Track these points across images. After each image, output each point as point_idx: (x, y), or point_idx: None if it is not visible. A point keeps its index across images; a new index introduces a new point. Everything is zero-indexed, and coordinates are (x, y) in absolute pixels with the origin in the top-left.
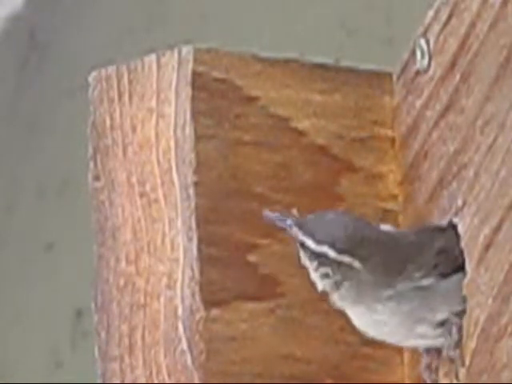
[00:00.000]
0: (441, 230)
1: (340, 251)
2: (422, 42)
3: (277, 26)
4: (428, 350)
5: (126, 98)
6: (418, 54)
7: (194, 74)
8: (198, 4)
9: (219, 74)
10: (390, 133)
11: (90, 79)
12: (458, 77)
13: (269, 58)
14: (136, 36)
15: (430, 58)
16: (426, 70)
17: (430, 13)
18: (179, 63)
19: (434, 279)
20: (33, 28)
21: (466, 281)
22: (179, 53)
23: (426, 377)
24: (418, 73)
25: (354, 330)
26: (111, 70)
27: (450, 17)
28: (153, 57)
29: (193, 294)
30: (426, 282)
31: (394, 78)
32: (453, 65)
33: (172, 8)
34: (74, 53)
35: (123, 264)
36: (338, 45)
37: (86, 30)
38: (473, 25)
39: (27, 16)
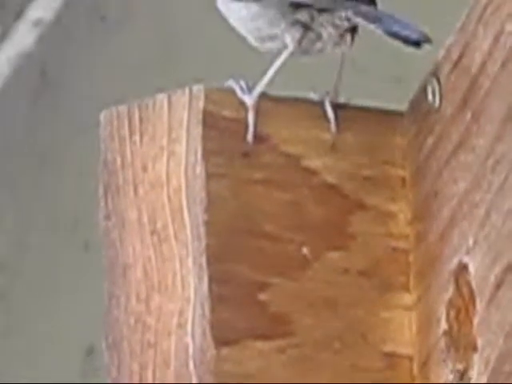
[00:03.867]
0: None
1: None
2: (433, 80)
3: (287, 64)
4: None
5: (137, 136)
6: (429, 92)
7: (205, 112)
8: (209, 43)
9: (230, 113)
10: (400, 172)
11: (101, 117)
12: (468, 116)
13: (279, 96)
14: (147, 74)
15: (441, 97)
16: (437, 109)
17: (441, 52)
18: (190, 102)
19: None
20: (44, 65)
21: (475, 320)
22: (190, 91)
23: None
24: (428, 111)
25: (366, 367)
26: (122, 108)
27: (461, 56)
28: (164, 95)
29: (203, 333)
30: None
31: (405, 117)
32: (464, 104)
33: (183, 47)
34: (86, 91)
35: (134, 302)
36: (349, 83)
37: (97, 68)
38: (484, 64)
39: (38, 53)
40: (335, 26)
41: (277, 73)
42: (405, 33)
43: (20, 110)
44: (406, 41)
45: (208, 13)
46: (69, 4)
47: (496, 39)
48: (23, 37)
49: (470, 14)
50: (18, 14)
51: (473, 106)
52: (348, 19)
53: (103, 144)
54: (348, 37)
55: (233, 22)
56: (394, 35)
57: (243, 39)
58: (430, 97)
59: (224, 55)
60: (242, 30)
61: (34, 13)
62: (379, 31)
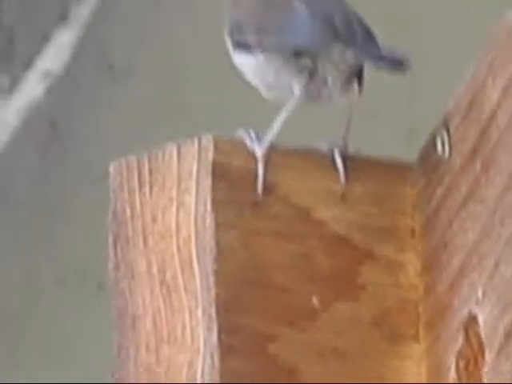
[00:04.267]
0: None
1: None
2: (443, 131)
3: (297, 114)
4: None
5: (146, 187)
6: (439, 143)
7: (215, 163)
8: (218, 93)
9: (239, 163)
10: (410, 222)
11: (111, 168)
12: (478, 167)
13: (289, 146)
14: (156, 124)
15: (451, 148)
16: (447, 160)
17: (451, 103)
18: (199, 152)
19: None
20: (53, 117)
21: (485, 369)
22: (199, 142)
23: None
24: (438, 162)
25: None
26: (132, 158)
27: (470, 107)
28: (173, 145)
29: (213, 383)
30: None
31: (415, 167)
32: (473, 155)
33: (192, 97)
34: (95, 141)
35: (143, 353)
36: (359, 133)
37: (106, 119)
38: (493, 115)
39: (47, 105)
40: (338, 71)
41: (286, 121)
42: (389, 57)
43: (29, 161)
44: (391, 66)
45: (217, 62)
46: (77, 55)
47: (505, 90)
48: (32, 88)
49: (479, 64)
50: (27, 65)
51: (482, 157)
52: (343, 58)
53: (113, 195)
54: (355, 85)
55: (242, 71)
56: (379, 63)
57: (252, 88)
58: (439, 147)
59: (233, 104)
60: (251, 79)
61: (43, 64)
62: (369, 65)
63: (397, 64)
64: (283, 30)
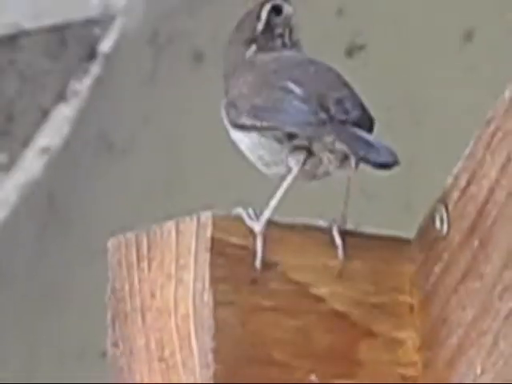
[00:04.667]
0: None
1: None
2: (441, 208)
3: (295, 190)
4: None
5: (145, 263)
6: (437, 219)
7: (213, 240)
8: (216, 169)
9: (237, 240)
10: (408, 299)
11: (109, 245)
12: (476, 243)
13: (287, 223)
14: (155, 201)
15: (449, 224)
16: (445, 236)
17: (449, 179)
18: (198, 229)
19: None
20: (52, 193)
21: None
22: (198, 219)
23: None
24: (436, 238)
25: None
26: (130, 235)
27: (468, 183)
28: (172, 223)
29: None
30: None
31: (413, 242)
32: (472, 231)
33: (190, 173)
34: (93, 218)
35: None
36: (358, 210)
37: (104, 195)
38: (492, 192)
39: (46, 181)
40: (331, 151)
41: (283, 197)
42: (378, 159)
43: (28, 236)
44: (377, 165)
45: (215, 139)
46: (76, 132)
47: (503, 167)
48: (31, 164)
49: (478, 141)
50: (26, 142)
51: (480, 234)
52: (333, 145)
53: (111, 271)
54: (352, 161)
55: (240, 148)
56: (367, 161)
57: (250, 165)
58: (437, 224)
59: (231, 181)
60: (248, 156)
61: (42, 140)
62: (353, 157)
63: (383, 166)
64: (277, 112)
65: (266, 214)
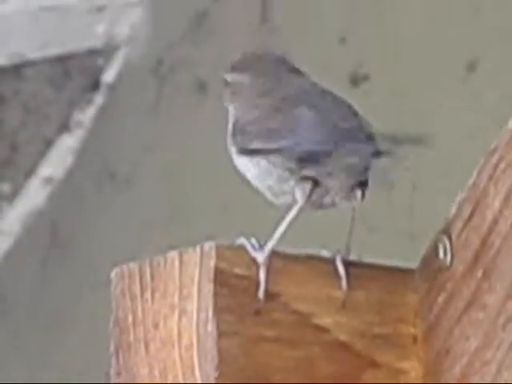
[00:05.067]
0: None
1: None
2: (444, 238)
3: (299, 221)
4: None
5: (148, 294)
6: (441, 250)
7: (217, 270)
8: (219, 199)
9: (241, 270)
10: (412, 329)
11: (113, 275)
12: (480, 273)
13: (291, 253)
14: (158, 231)
15: (453, 255)
16: (449, 267)
17: (453, 209)
18: (201, 259)
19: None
20: (55, 223)
21: None
22: (202, 249)
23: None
24: (440, 269)
25: None
26: (133, 265)
27: (472, 214)
28: (175, 253)
29: None
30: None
31: (416, 273)
32: (475, 261)
33: (193, 203)
34: (97, 248)
35: None
36: (360, 241)
37: (107, 226)
38: (495, 222)
39: (49, 211)
40: (342, 179)
41: (288, 228)
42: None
43: (31, 266)
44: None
45: (218, 169)
46: (79, 162)
47: (507, 197)
48: (34, 194)
49: (481, 171)
50: (30, 172)
51: (484, 264)
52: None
53: (115, 301)
54: (358, 192)
55: (245, 176)
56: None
57: (254, 194)
58: (441, 254)
59: (234, 210)
60: (254, 184)
61: (45, 170)
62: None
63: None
64: (292, 134)
65: (270, 245)
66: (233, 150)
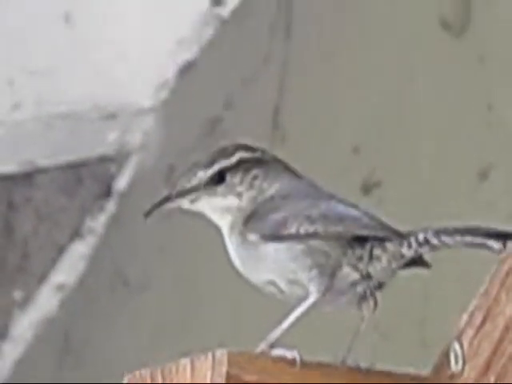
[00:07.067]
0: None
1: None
2: (456, 345)
3: (309, 324)
4: None
5: None
6: (452, 357)
7: (229, 376)
8: (230, 305)
9: (251, 378)
10: None
11: (125, 380)
12: (491, 380)
13: (303, 361)
14: (170, 338)
15: (464, 362)
16: (460, 373)
17: (464, 316)
18: (213, 366)
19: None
20: (67, 330)
21: None
22: (213, 356)
23: None
24: (452, 376)
25: None
26: (145, 372)
27: (484, 321)
28: (187, 360)
29: None
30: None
31: (428, 380)
32: (487, 369)
33: (206, 309)
34: (109, 354)
35: None
36: (372, 348)
37: (120, 332)
38: (507, 329)
39: (62, 318)
40: (361, 276)
41: (297, 320)
42: None
43: (43, 374)
44: None
45: (230, 274)
46: (91, 269)
47: None
48: (46, 301)
49: (493, 279)
50: (42, 279)
51: (495, 371)
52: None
53: None
54: (371, 301)
55: (262, 264)
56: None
57: (266, 299)
58: (453, 361)
59: (246, 317)
60: (272, 271)
61: (57, 277)
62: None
63: None
64: (342, 218)
65: (275, 334)
66: (253, 237)
